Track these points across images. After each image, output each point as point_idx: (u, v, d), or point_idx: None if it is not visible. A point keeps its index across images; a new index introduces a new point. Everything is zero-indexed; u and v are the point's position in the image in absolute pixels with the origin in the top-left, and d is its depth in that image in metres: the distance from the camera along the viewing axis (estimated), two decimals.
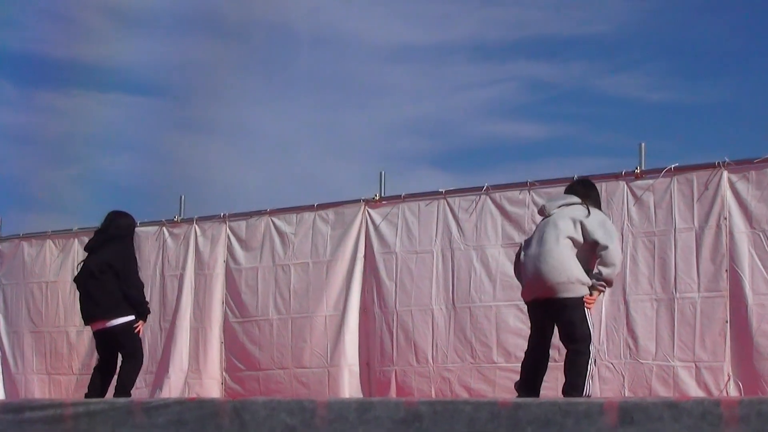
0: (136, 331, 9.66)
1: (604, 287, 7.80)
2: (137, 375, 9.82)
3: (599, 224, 7.73)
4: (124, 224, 9.92)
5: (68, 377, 13.23)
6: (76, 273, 10.12)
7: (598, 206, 8.08)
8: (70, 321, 13.21)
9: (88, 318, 9.78)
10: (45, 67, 26.42)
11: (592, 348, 7.72)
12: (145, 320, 9.80)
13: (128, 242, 9.90)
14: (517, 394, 7.81)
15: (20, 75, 28.10)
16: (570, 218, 7.74)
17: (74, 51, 25.27)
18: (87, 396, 9.59)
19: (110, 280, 9.56)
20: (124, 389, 9.48)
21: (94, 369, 9.91)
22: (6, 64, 28.01)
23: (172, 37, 27.74)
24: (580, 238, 7.69)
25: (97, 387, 9.64)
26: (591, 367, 7.68)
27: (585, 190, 8.09)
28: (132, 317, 9.62)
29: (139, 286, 9.79)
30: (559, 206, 7.90)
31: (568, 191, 8.18)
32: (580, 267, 7.67)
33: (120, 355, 9.75)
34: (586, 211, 7.80)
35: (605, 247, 7.64)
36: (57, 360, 13.32)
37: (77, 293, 11.74)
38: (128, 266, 9.66)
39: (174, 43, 27.33)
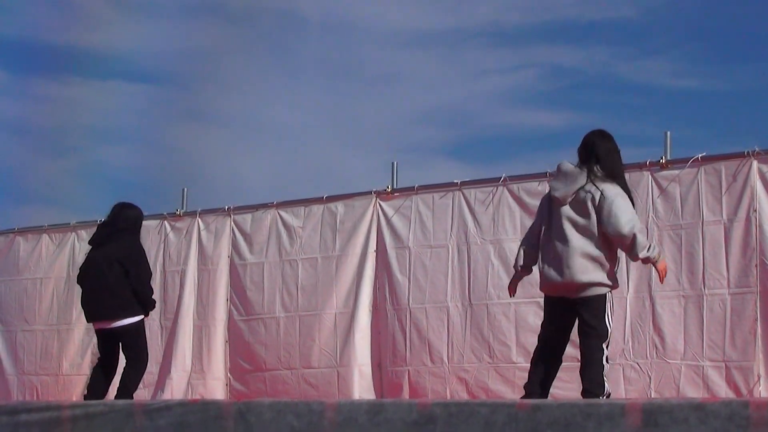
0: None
1: (651, 257, 7.60)
2: (141, 378, 9.87)
3: (615, 212, 7.48)
4: (131, 216, 9.91)
5: (56, 378, 13.29)
6: (78, 267, 10.12)
7: (618, 165, 7.72)
8: (62, 319, 13.29)
9: (91, 316, 9.81)
10: (41, 54, 26.50)
11: (605, 345, 7.68)
12: (147, 315, 9.86)
13: (136, 236, 9.91)
14: (525, 395, 7.77)
15: (16, 62, 28.18)
16: (588, 207, 7.53)
17: (72, 37, 25.35)
18: (86, 397, 9.63)
19: (117, 276, 9.57)
20: (127, 392, 9.51)
21: (94, 368, 9.93)
22: (1, 51, 28.10)
23: (175, 22, 27.78)
24: (595, 228, 7.55)
25: (97, 387, 9.66)
26: (606, 365, 7.67)
27: (599, 152, 7.67)
28: (138, 318, 9.65)
29: (149, 282, 9.83)
30: (574, 192, 7.59)
31: (584, 155, 7.72)
32: (604, 262, 7.59)
33: (124, 356, 9.78)
34: (599, 195, 7.50)
35: (629, 237, 7.45)
36: (46, 360, 13.39)
37: (75, 289, 11.77)
38: (138, 261, 9.68)
39: (178, 28, 27.38)
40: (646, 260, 7.63)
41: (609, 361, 7.76)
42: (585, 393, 7.52)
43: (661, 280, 7.87)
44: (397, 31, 27.73)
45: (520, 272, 8.05)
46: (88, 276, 9.81)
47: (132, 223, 9.87)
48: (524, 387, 7.84)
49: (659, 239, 9.92)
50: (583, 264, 7.52)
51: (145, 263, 9.82)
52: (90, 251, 9.93)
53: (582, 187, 7.58)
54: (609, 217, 7.48)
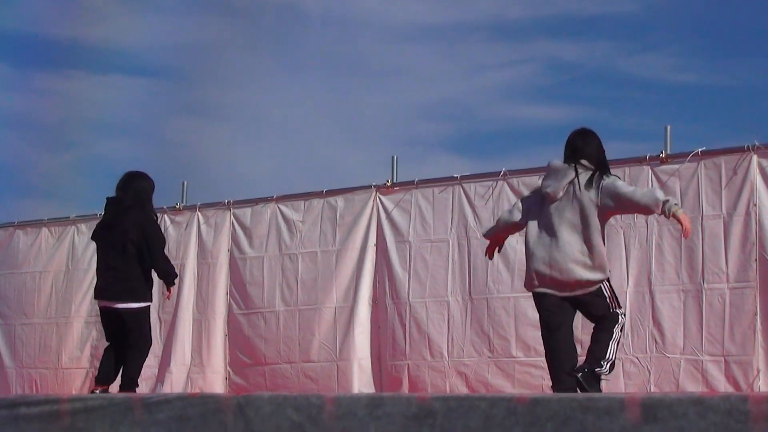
0: (166, 297, 9.94)
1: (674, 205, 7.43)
2: (143, 364, 9.82)
3: (614, 184, 7.49)
4: (142, 187, 9.74)
5: (54, 371, 13.30)
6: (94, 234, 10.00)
7: (604, 157, 7.68)
8: (61, 312, 13.31)
9: (98, 294, 9.75)
10: (42, 48, 26.47)
11: (622, 317, 7.59)
12: (173, 284, 9.85)
13: (149, 208, 9.75)
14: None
15: (16, 55, 28.18)
16: (580, 200, 7.48)
17: (73, 31, 25.30)
18: (99, 373, 9.61)
19: (131, 258, 9.51)
20: (131, 381, 9.51)
21: (105, 351, 9.80)
22: (1, 44, 28.10)
23: (176, 16, 27.78)
24: (596, 218, 7.50)
25: (108, 369, 9.61)
26: (619, 333, 7.55)
27: (583, 147, 7.67)
28: (145, 304, 9.61)
29: (164, 254, 9.72)
30: (565, 186, 7.55)
31: (568, 152, 7.69)
32: (600, 255, 7.56)
33: (128, 340, 9.76)
34: (591, 178, 7.50)
35: (639, 193, 7.46)
36: (45, 353, 13.41)
37: (74, 283, 11.74)
38: (152, 236, 9.55)
39: (178, 22, 27.35)
40: (668, 212, 7.37)
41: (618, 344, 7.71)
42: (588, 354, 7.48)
43: (687, 234, 7.48)
44: (397, 25, 27.74)
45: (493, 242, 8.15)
46: (102, 254, 9.73)
47: (143, 195, 9.69)
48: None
49: (659, 234, 9.93)
50: (586, 261, 7.48)
51: (158, 238, 9.66)
52: (101, 229, 9.82)
53: (571, 181, 7.55)
54: (617, 186, 7.48)
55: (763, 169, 9.57)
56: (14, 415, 7.43)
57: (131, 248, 9.48)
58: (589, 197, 7.48)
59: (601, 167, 7.62)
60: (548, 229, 7.59)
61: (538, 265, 7.56)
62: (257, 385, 11.92)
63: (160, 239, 9.74)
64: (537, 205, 7.75)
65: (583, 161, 7.60)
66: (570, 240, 7.49)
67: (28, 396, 10.45)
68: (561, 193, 7.56)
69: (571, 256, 7.47)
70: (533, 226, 7.69)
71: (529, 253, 7.65)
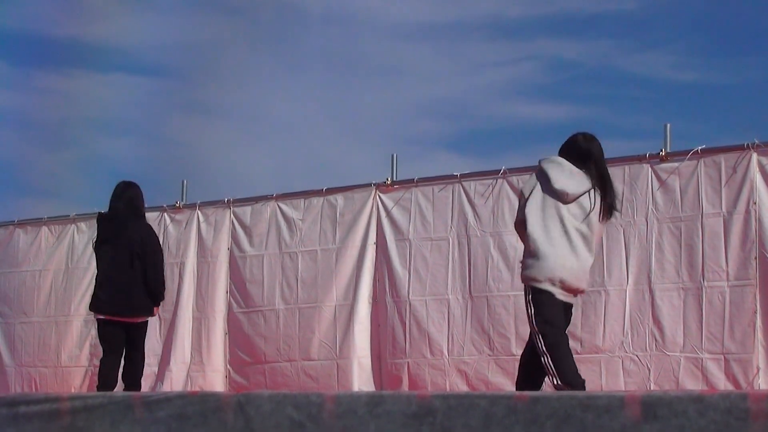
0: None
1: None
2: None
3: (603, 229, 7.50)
4: (137, 195, 9.91)
5: (54, 369, 13.30)
6: (96, 258, 10.04)
7: (606, 167, 7.53)
8: (60, 311, 13.30)
9: (104, 308, 9.72)
10: (43, 47, 26.48)
11: None
12: (158, 305, 10.01)
13: (142, 219, 9.90)
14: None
15: (17, 54, 28.18)
16: (586, 212, 7.30)
17: (74, 29, 25.32)
18: (100, 386, 9.63)
19: (137, 271, 9.56)
20: (137, 385, 9.72)
21: (105, 361, 9.80)
22: (1, 43, 28.09)
23: (176, 15, 27.77)
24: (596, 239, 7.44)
25: (107, 377, 9.64)
26: None
27: (593, 154, 7.48)
28: (149, 317, 9.85)
29: (162, 274, 9.88)
30: (580, 195, 7.32)
31: (577, 156, 7.46)
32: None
33: (129, 351, 9.81)
34: (604, 210, 7.40)
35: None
36: (44, 352, 13.40)
37: (73, 281, 11.72)
38: (157, 251, 9.75)
39: (179, 20, 27.35)
40: None
41: None
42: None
43: None
44: (398, 23, 27.74)
45: None
46: (110, 270, 9.71)
47: (136, 204, 9.84)
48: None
49: (659, 231, 9.93)
50: (591, 274, 7.46)
51: (159, 258, 9.82)
52: (102, 244, 9.85)
53: (586, 193, 7.34)
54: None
55: (762, 167, 9.57)
56: (14, 414, 7.42)
57: (137, 263, 9.56)
58: (597, 221, 7.38)
59: (604, 178, 7.47)
60: (561, 230, 7.31)
61: (551, 264, 7.25)
62: (257, 383, 11.92)
63: (160, 258, 9.88)
64: (540, 202, 7.45)
65: (593, 173, 7.40)
66: (583, 248, 7.33)
67: (28, 394, 10.44)
68: (574, 199, 7.32)
69: (585, 265, 7.34)
70: (539, 220, 7.35)
71: (535, 249, 7.31)
